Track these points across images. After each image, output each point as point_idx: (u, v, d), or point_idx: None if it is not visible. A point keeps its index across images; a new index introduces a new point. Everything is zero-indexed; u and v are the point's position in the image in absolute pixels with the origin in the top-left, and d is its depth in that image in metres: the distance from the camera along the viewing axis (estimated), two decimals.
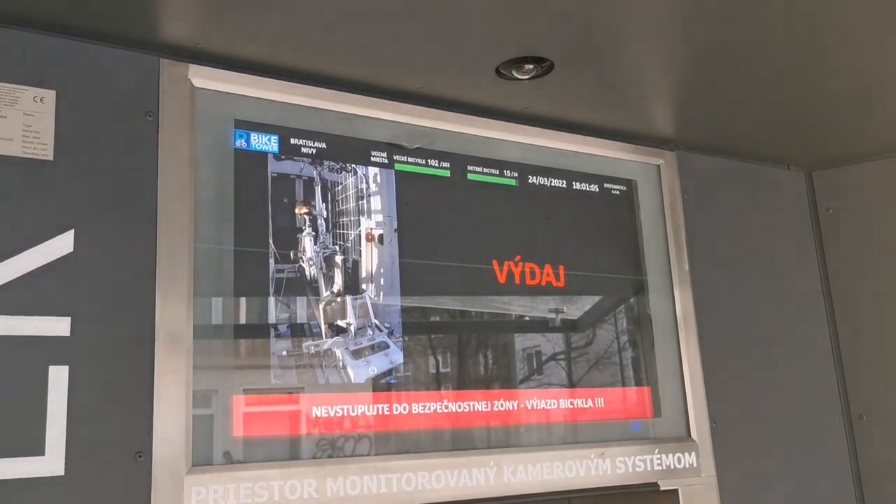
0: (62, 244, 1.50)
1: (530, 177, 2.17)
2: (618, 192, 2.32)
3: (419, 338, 1.91)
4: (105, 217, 1.56)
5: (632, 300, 2.26)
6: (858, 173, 2.59)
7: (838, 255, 2.58)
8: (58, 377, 1.44)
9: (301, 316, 1.77)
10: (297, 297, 1.77)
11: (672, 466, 2.12)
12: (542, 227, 2.15)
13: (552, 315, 2.13)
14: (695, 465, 2.15)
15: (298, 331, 1.76)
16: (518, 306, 2.08)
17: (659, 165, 2.38)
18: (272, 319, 1.73)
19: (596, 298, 2.21)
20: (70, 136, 1.55)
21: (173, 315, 1.58)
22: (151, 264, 1.58)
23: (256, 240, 1.74)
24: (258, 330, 1.72)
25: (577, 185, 2.24)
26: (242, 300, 1.71)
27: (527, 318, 2.09)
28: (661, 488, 2.09)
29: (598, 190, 2.28)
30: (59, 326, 1.47)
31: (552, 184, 2.20)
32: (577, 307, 2.17)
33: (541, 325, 2.10)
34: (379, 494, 1.72)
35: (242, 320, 1.71)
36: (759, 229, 2.54)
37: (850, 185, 2.60)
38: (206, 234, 1.68)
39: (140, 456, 1.49)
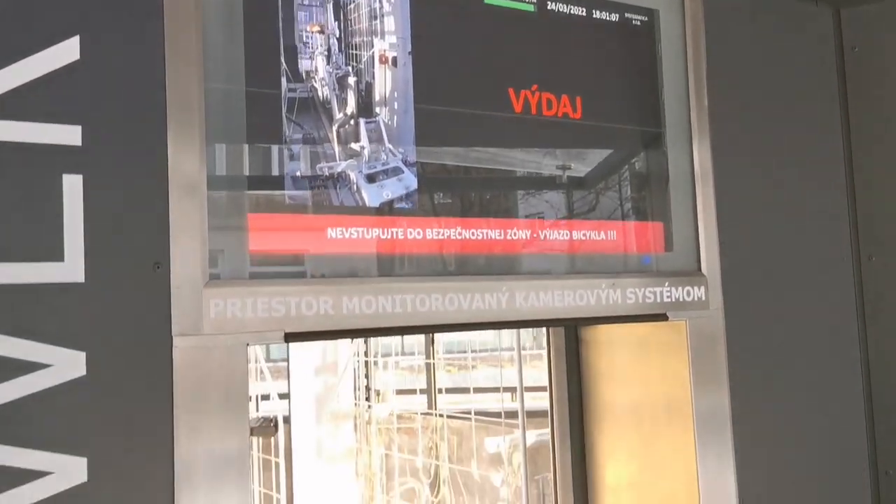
0: (67, 50, 1.45)
1: (549, 3, 2.08)
2: (638, 23, 2.23)
3: (433, 164, 1.89)
4: (110, 25, 1.50)
5: (648, 135, 2.22)
6: (888, 10, 2.49)
7: (860, 93, 2.52)
8: (72, 186, 1.43)
9: (314, 137, 1.74)
10: (310, 118, 1.73)
11: (681, 299, 2.14)
12: (560, 56, 2.08)
13: (567, 156, 2.09)
14: (703, 298, 2.18)
15: (312, 152, 1.73)
16: (534, 141, 2.04)
17: None
18: (285, 139, 1.70)
19: (613, 133, 2.17)
20: None
21: (184, 126, 1.55)
22: (161, 71, 1.53)
23: (267, 57, 1.69)
24: (271, 148, 1.69)
25: (597, 14, 2.15)
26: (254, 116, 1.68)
27: (543, 161, 2.05)
28: (670, 319, 2.12)
29: (618, 20, 2.19)
30: (69, 135, 1.44)
31: (571, 11, 2.11)
32: (594, 152, 2.13)
33: (557, 170, 2.07)
34: (393, 314, 1.74)
35: (255, 137, 1.68)
36: (781, 67, 2.46)
37: (878, 22, 2.50)
38: (214, 43, 1.62)
39: (158, 266, 1.50)
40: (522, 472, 3.57)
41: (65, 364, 1.40)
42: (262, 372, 5.12)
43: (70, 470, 1.39)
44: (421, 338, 7.94)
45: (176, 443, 1.49)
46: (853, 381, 2.48)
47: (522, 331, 3.88)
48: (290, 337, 1.62)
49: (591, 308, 1.99)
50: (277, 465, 4.61)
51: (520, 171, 2.04)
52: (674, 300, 2.13)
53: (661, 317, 2.11)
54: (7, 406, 1.35)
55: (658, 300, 2.10)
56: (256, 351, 5.14)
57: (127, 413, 1.46)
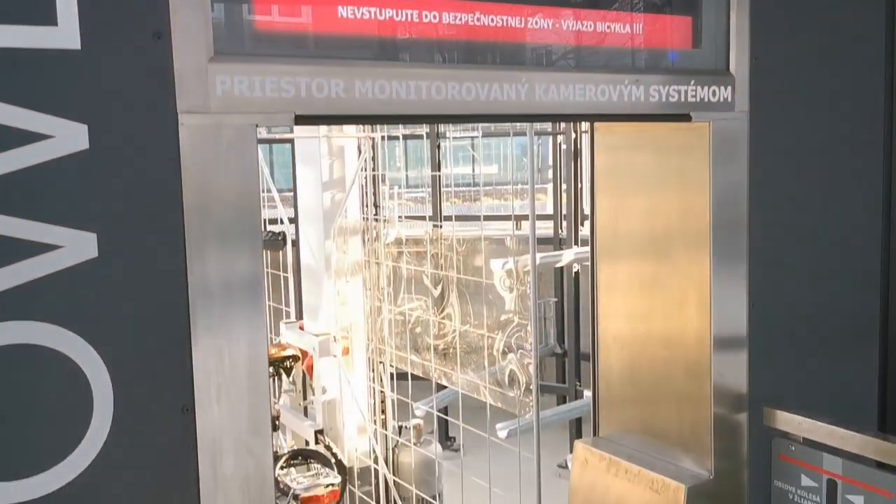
0: None
1: None
2: None
3: None
4: None
5: None
6: None
7: None
8: None
9: None
10: None
11: (706, 99, 2.05)
12: None
13: None
14: (729, 99, 2.08)
15: None
16: None
17: None
18: None
19: None
20: None
21: None
22: None
23: None
24: None
25: None
26: None
27: None
28: (693, 120, 2.03)
29: None
30: None
31: None
32: None
33: None
34: (408, 101, 1.66)
35: None
36: None
37: None
38: None
39: (159, 37, 1.40)
40: (532, 282, 3.62)
41: (66, 135, 1.33)
42: (271, 200, 5.09)
43: (80, 244, 1.36)
44: (426, 171, 7.93)
45: (186, 224, 1.45)
46: (873, 196, 2.42)
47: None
48: (301, 119, 1.55)
49: (613, 104, 1.91)
50: (286, 279, 4.69)
51: None
52: (698, 100, 2.03)
53: (685, 117, 2.02)
54: (8, 177, 1.30)
55: (682, 99, 2.01)
56: (267, 178, 5.09)
57: (135, 190, 1.41)
